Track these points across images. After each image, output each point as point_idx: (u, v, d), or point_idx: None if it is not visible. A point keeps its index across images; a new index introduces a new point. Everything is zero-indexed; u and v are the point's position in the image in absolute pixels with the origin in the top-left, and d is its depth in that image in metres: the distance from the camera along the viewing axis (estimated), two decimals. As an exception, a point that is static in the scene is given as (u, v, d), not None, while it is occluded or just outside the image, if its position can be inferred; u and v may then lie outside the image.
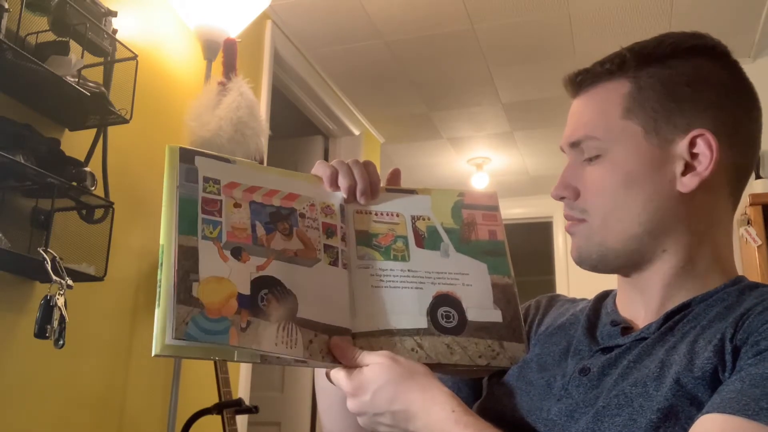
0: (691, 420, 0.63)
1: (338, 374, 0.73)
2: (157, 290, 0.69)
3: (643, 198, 0.75)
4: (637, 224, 0.76)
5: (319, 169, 0.84)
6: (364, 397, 0.71)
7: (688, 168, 0.75)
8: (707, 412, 0.61)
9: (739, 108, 0.78)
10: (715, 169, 0.74)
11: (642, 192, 0.75)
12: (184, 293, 0.68)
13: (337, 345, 0.73)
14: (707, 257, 0.77)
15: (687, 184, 0.75)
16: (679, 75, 0.76)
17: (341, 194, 0.83)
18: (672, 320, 0.74)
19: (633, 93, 0.77)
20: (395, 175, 0.91)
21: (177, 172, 0.75)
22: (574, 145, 0.80)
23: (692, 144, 0.75)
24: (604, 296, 0.88)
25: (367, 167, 0.85)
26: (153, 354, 0.66)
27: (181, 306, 0.67)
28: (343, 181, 0.82)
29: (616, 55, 0.79)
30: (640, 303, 0.80)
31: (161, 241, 0.71)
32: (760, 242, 2.58)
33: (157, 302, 0.68)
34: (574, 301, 0.93)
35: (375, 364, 0.72)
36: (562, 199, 0.81)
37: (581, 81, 0.81)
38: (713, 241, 0.78)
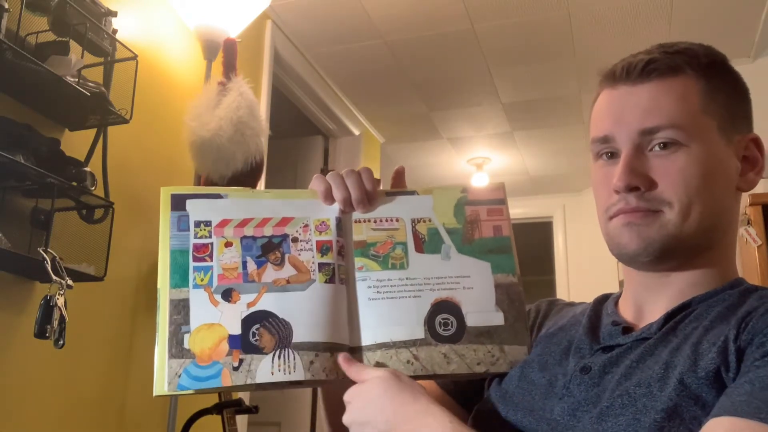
0: (696, 420, 0.63)
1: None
2: (156, 331, 0.75)
3: (717, 193, 0.77)
4: (710, 218, 0.76)
5: (315, 184, 0.85)
6: (356, 404, 0.73)
7: (743, 168, 0.79)
8: (718, 415, 0.61)
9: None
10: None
11: (716, 187, 0.77)
12: (176, 347, 0.74)
13: (345, 360, 0.77)
14: (730, 257, 0.80)
15: (751, 181, 0.80)
16: (732, 81, 0.81)
17: (338, 206, 0.84)
18: (673, 320, 0.74)
19: (707, 90, 0.78)
20: (399, 175, 0.90)
21: (169, 222, 0.80)
22: (649, 132, 0.76)
23: (747, 147, 0.80)
24: (604, 299, 0.89)
25: (362, 174, 0.85)
26: (154, 395, 0.73)
27: (173, 360, 0.73)
28: (337, 194, 0.83)
29: (685, 48, 0.80)
30: (654, 300, 0.80)
31: (158, 285, 0.77)
32: (760, 242, 2.58)
33: (156, 340, 0.74)
34: (572, 304, 0.94)
35: (375, 377, 0.74)
36: (632, 190, 0.76)
37: (654, 68, 0.78)
38: (734, 242, 0.81)
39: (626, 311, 0.82)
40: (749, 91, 0.83)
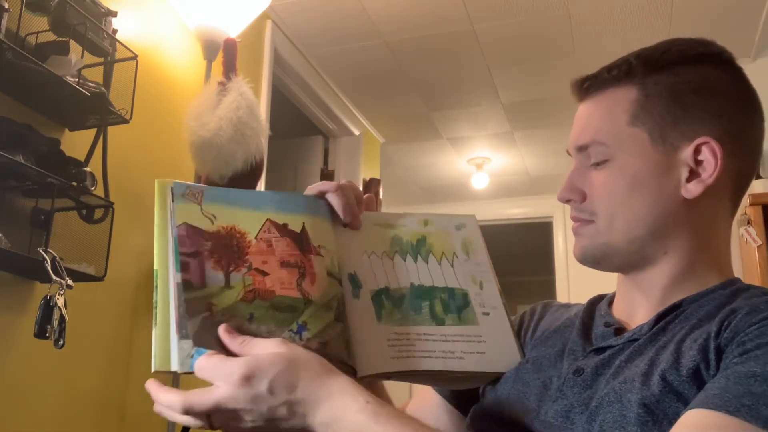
0: (678, 416, 0.63)
1: (208, 361, 0.64)
2: (153, 311, 0.71)
3: (649, 202, 0.77)
4: (641, 227, 0.77)
5: (318, 185, 0.83)
6: (259, 387, 0.61)
7: (692, 174, 0.77)
8: (692, 408, 0.62)
9: (743, 115, 0.79)
10: (719, 177, 0.76)
11: (647, 196, 0.77)
12: (186, 328, 0.71)
13: (225, 331, 0.67)
14: (706, 260, 0.79)
15: (691, 190, 0.77)
16: (686, 82, 0.78)
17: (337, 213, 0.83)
18: (664, 321, 0.75)
19: (640, 100, 0.78)
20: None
21: (168, 212, 0.77)
22: (581, 149, 0.82)
23: (697, 151, 0.77)
24: (598, 300, 0.90)
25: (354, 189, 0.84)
26: (153, 370, 0.69)
27: (184, 341, 0.70)
28: (342, 198, 0.82)
29: (623, 61, 0.81)
30: (640, 301, 0.81)
31: (155, 266, 0.74)
32: (760, 242, 2.57)
33: (153, 321, 0.71)
34: (567, 306, 0.95)
35: (270, 352, 0.63)
36: (568, 201, 0.83)
37: (588, 87, 0.83)
38: (713, 245, 0.79)
39: (618, 311, 0.84)
40: (721, 90, 0.78)
